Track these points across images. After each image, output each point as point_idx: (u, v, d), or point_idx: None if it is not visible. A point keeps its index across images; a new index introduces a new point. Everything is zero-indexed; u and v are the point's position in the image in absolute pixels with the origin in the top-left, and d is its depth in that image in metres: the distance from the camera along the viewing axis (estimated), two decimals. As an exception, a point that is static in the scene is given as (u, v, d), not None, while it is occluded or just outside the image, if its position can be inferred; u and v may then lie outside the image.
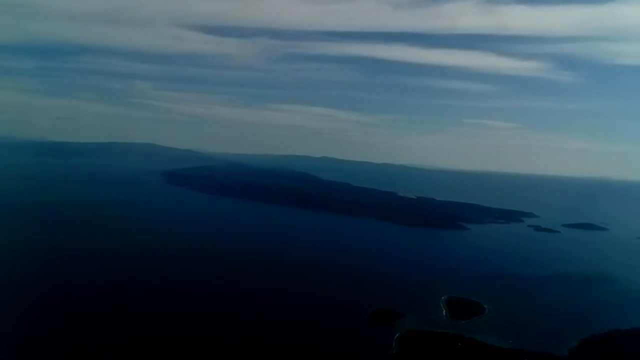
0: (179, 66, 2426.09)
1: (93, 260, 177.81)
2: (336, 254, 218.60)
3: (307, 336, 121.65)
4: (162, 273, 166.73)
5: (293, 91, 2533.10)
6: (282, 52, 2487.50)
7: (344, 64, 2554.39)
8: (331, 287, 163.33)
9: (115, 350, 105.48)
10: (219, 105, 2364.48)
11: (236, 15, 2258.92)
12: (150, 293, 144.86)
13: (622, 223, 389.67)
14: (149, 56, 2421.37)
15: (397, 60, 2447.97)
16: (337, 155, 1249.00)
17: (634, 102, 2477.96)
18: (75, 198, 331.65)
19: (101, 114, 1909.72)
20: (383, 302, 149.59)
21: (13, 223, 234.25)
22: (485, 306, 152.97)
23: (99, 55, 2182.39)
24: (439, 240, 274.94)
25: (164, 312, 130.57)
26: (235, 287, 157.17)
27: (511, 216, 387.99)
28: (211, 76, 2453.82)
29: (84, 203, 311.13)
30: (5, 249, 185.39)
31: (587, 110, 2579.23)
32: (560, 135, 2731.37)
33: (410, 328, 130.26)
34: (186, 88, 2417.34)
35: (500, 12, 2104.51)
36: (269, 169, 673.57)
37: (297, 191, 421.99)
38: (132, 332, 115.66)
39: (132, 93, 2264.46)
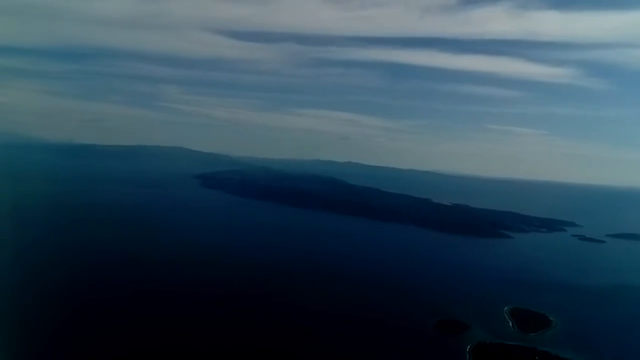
0: (205, 71, 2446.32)
1: (151, 262, 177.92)
2: (386, 261, 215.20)
3: (375, 349, 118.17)
4: (222, 279, 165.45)
5: (318, 96, 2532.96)
6: (308, 57, 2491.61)
7: (369, 69, 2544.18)
8: (389, 296, 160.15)
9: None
10: (245, 110, 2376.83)
11: (263, 20, 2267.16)
12: (213, 301, 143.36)
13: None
14: (177, 60, 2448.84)
15: (424, 65, 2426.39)
16: (361, 160, 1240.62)
17: None
18: (116, 200, 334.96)
19: (129, 117, 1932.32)
20: (444, 312, 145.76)
21: (62, 225, 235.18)
22: (552, 318, 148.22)
23: (127, 59, 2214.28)
24: (486, 249, 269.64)
25: (222, 322, 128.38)
26: (292, 298, 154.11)
27: (552, 225, 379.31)
28: (237, 81, 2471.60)
29: (126, 205, 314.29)
30: (58, 250, 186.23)
31: (617, 118, 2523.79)
32: (589, 142, 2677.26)
33: (481, 340, 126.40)
34: (213, 92, 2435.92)
35: (530, 17, 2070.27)
36: (298, 173, 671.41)
37: (331, 196, 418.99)
38: (185, 340, 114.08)
39: (159, 97, 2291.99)
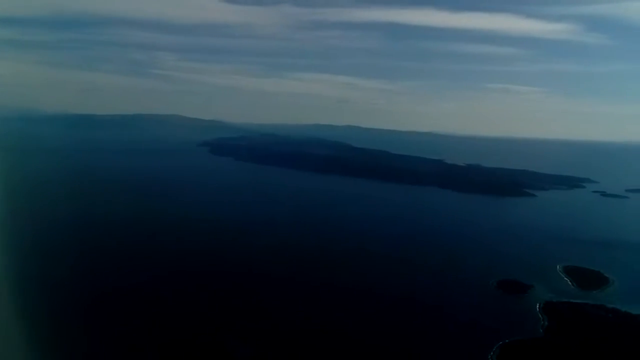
0: (201, 37, 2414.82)
1: (196, 235, 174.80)
2: (422, 225, 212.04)
3: (448, 310, 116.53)
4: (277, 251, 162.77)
5: (315, 59, 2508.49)
6: (304, 20, 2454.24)
7: (367, 30, 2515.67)
8: (439, 260, 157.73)
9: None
10: (242, 76, 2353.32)
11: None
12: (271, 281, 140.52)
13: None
14: (172, 27, 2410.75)
15: (422, 25, 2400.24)
16: (361, 123, 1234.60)
17: None
18: (134, 172, 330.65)
19: (125, 86, 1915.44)
20: (500, 273, 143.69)
21: (89, 199, 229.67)
22: (607, 275, 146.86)
23: (122, 27, 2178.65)
24: (514, 208, 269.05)
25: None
26: (351, 261, 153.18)
27: (570, 182, 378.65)
28: (234, 46, 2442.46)
29: (147, 177, 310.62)
30: (91, 223, 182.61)
31: (618, 73, 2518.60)
32: (589, 99, 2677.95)
33: (548, 299, 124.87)
34: (208, 59, 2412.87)
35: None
36: (302, 138, 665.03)
37: (343, 160, 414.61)
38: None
39: (154, 64, 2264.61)
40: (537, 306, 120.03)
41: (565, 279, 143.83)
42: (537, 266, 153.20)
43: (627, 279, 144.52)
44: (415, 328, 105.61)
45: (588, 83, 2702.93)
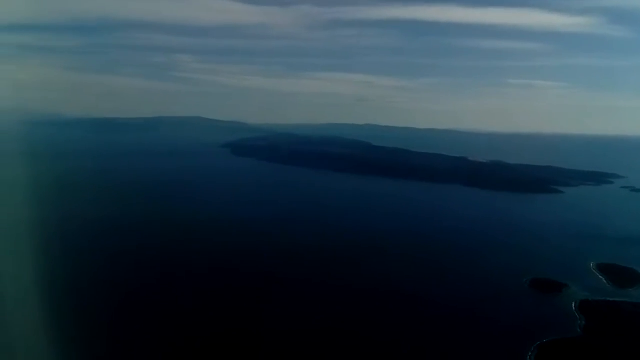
0: (219, 38, 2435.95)
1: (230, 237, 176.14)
2: (452, 224, 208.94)
3: (485, 309, 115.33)
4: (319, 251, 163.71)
5: (333, 59, 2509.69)
6: (322, 19, 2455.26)
7: (384, 28, 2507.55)
8: (472, 258, 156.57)
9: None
10: (260, 76, 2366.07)
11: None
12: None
13: None
14: (191, 29, 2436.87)
15: (441, 21, 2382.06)
16: (379, 122, 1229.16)
17: None
18: (162, 175, 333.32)
19: (145, 89, 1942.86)
20: (533, 271, 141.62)
21: (125, 202, 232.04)
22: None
23: (141, 30, 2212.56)
24: (543, 205, 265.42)
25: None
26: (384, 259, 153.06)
27: (597, 178, 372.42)
28: (252, 47, 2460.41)
29: (175, 179, 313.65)
30: (131, 225, 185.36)
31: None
32: (612, 93, 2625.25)
33: (583, 298, 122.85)
34: (227, 60, 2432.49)
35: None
36: (322, 137, 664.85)
37: (365, 159, 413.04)
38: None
39: (174, 67, 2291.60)
40: (573, 305, 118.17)
41: (600, 277, 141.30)
42: (570, 264, 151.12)
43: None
44: (451, 330, 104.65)
45: (611, 77, 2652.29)
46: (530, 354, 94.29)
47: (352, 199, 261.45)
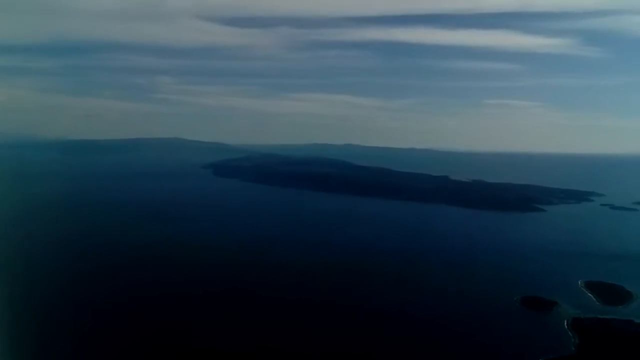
0: (200, 59, 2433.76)
1: (210, 262, 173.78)
2: (437, 243, 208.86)
3: (472, 331, 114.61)
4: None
5: (314, 79, 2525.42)
6: (302, 41, 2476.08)
7: (364, 49, 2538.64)
8: (460, 278, 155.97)
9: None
10: (241, 97, 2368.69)
11: (256, 5, 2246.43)
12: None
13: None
14: (171, 51, 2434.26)
15: (419, 43, 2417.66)
16: (360, 142, 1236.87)
17: None
18: (139, 196, 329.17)
19: (124, 110, 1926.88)
20: (521, 290, 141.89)
21: (97, 224, 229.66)
22: (630, 289, 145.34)
23: (120, 52, 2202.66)
24: (526, 224, 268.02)
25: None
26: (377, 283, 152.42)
27: (578, 196, 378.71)
28: (232, 68, 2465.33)
29: (153, 201, 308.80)
30: (103, 250, 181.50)
31: (615, 86, 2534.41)
32: (587, 112, 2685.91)
33: (575, 315, 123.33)
34: (208, 81, 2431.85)
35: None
36: (304, 157, 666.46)
37: (349, 179, 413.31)
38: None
39: (153, 89, 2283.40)
40: (565, 323, 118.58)
41: (589, 294, 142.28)
42: (558, 282, 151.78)
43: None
44: (446, 351, 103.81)
45: (587, 96, 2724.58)
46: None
47: (338, 219, 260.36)
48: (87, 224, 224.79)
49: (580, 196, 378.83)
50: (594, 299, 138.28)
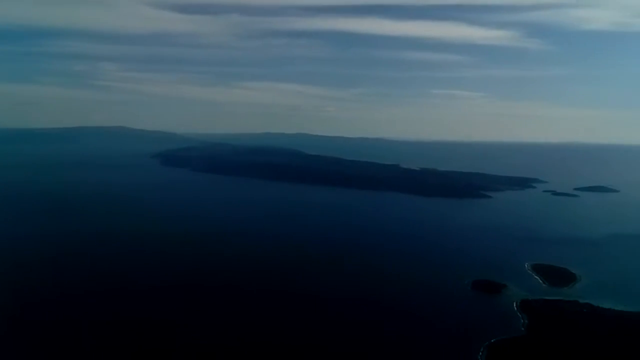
0: (146, 46, 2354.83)
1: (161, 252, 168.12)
2: (389, 230, 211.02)
3: (426, 312, 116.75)
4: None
5: (264, 68, 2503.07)
6: (252, 29, 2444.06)
7: (315, 38, 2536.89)
8: (413, 263, 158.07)
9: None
10: (188, 85, 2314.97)
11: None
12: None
13: (625, 185, 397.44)
14: (116, 37, 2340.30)
15: (368, 33, 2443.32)
16: (311, 131, 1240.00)
17: (600, 67, 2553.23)
18: (87, 187, 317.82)
19: (65, 98, 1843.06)
20: (472, 274, 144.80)
21: (44, 216, 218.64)
22: (574, 272, 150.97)
23: (62, 38, 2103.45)
24: (475, 210, 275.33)
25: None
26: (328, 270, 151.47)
27: (521, 183, 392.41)
28: (180, 55, 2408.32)
29: (101, 191, 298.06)
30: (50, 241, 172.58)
31: (556, 77, 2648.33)
32: (529, 102, 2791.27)
33: (524, 297, 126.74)
34: (154, 69, 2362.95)
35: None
36: (255, 147, 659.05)
37: (300, 168, 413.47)
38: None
39: (97, 75, 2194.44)
40: (514, 305, 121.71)
41: (535, 277, 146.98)
42: (507, 265, 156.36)
43: (592, 274, 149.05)
44: (401, 334, 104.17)
45: (528, 87, 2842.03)
46: (480, 354, 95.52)
47: (291, 208, 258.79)
48: (20, 216, 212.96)
49: (523, 183, 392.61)
50: (541, 281, 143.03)
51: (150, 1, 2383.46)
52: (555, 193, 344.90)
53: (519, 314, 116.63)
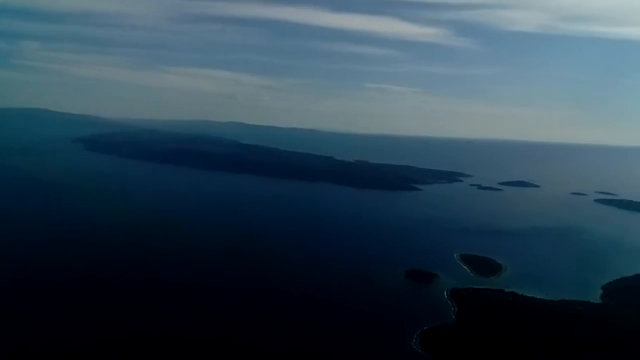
0: (71, 25, 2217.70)
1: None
2: (320, 221, 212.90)
3: (361, 302, 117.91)
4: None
5: (196, 53, 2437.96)
6: (185, 12, 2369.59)
7: (250, 26, 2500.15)
8: (347, 254, 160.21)
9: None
10: (115, 67, 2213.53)
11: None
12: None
13: (545, 181, 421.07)
14: (39, 14, 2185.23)
15: (303, 23, 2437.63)
16: (245, 120, 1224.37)
17: (527, 68, 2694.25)
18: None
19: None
20: (404, 264, 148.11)
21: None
22: (499, 262, 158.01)
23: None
24: (404, 201, 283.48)
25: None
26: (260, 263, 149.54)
27: (449, 176, 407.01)
28: (107, 36, 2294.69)
29: (20, 177, 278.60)
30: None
31: (483, 76, 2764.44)
32: (458, 99, 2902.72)
33: (454, 286, 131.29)
34: (78, 49, 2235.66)
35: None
36: (185, 134, 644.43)
37: (232, 157, 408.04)
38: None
39: (17, 54, 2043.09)
40: (445, 293, 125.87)
41: (464, 266, 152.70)
42: (437, 256, 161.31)
43: (516, 264, 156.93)
44: (337, 324, 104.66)
45: (458, 85, 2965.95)
46: (413, 341, 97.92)
47: (222, 198, 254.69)
48: None
49: (451, 177, 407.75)
50: (469, 271, 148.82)
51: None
52: (480, 187, 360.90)
53: (449, 302, 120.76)
